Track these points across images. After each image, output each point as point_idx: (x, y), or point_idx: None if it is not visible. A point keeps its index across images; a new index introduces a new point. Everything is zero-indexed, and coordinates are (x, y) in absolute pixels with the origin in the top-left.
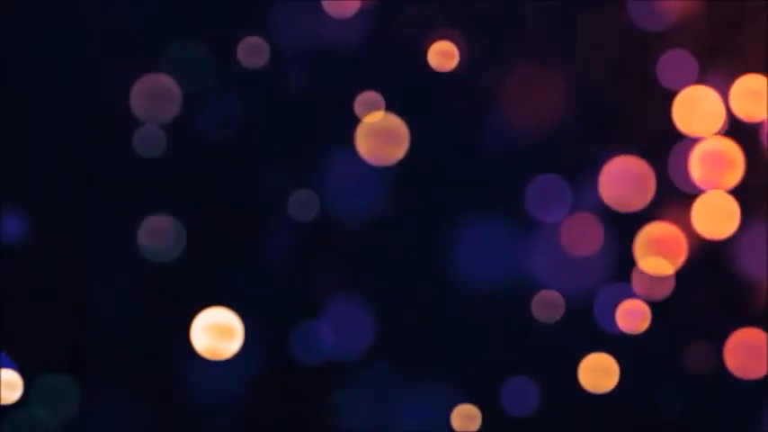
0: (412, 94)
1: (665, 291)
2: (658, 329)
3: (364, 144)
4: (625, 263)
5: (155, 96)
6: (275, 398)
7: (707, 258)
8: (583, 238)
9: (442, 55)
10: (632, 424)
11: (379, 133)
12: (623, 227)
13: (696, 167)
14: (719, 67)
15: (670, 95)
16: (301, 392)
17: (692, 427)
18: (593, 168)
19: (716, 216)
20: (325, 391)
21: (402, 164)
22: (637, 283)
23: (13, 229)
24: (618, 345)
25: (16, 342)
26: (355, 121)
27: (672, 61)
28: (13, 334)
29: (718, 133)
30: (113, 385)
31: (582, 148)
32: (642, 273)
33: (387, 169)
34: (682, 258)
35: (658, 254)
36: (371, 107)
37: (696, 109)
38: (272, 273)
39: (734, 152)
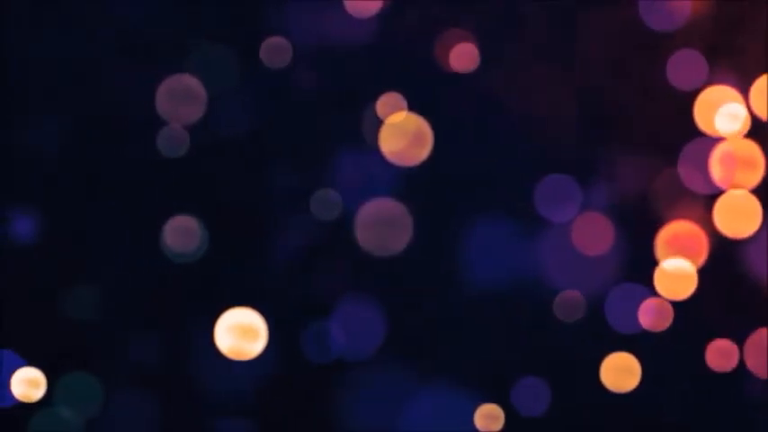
0: (419, 94)
1: (688, 290)
2: (678, 329)
3: (388, 144)
4: (636, 262)
5: (180, 97)
6: (285, 397)
7: (728, 258)
8: (593, 237)
9: (463, 57)
10: (645, 424)
11: (404, 134)
12: (634, 226)
13: (717, 167)
14: (727, 67)
15: (680, 95)
16: (311, 392)
17: (709, 427)
18: (602, 168)
19: (737, 215)
20: (335, 391)
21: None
22: (659, 283)
23: (25, 229)
24: (628, 344)
25: (33, 341)
26: (371, 121)
27: (681, 61)
28: (31, 333)
29: (739, 133)
30: (131, 385)
31: (590, 147)
32: (664, 272)
33: (397, 170)
34: (703, 258)
35: (680, 253)
36: (394, 108)
37: (717, 109)
38: (282, 272)
39: (754, 152)
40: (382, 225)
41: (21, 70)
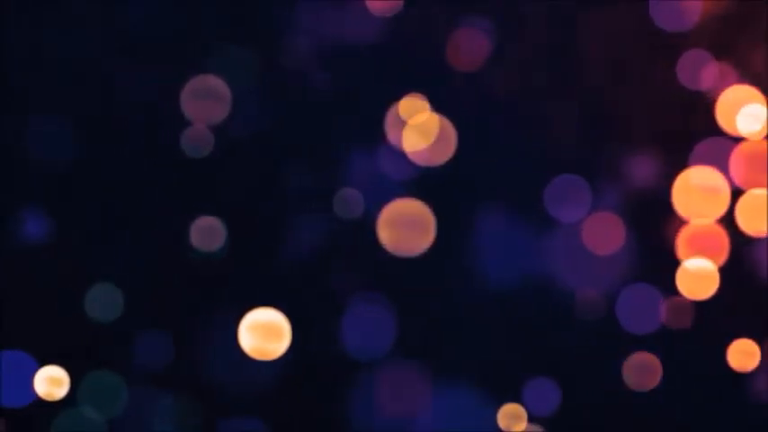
0: (431, 93)
1: (709, 290)
2: (699, 328)
3: (410, 145)
4: (647, 262)
5: (204, 98)
6: (296, 396)
7: (748, 257)
8: (604, 237)
9: (474, 56)
10: (661, 425)
11: (426, 135)
12: (645, 226)
13: (737, 167)
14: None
15: (690, 95)
16: (322, 391)
17: (728, 427)
18: (613, 168)
19: (759, 215)
20: (347, 391)
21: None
22: (680, 283)
23: (43, 229)
24: (644, 344)
25: (56, 340)
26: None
27: (691, 61)
28: (54, 332)
29: (760, 134)
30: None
31: (600, 147)
32: (686, 272)
33: (408, 170)
34: (724, 257)
35: (701, 253)
36: (416, 109)
37: (738, 109)
38: (296, 272)
39: None
40: (405, 225)
41: (36, 71)
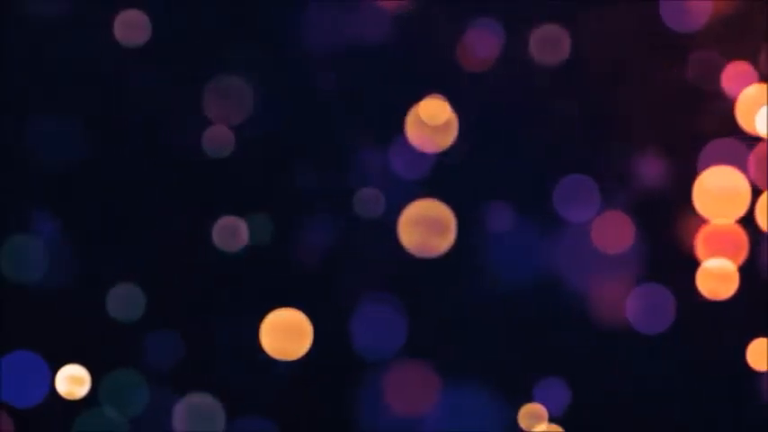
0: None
1: (729, 290)
2: (718, 327)
3: (431, 146)
4: (656, 261)
5: (226, 98)
6: (306, 397)
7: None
8: (613, 237)
9: (482, 55)
10: (676, 425)
11: (448, 135)
12: (654, 226)
13: (756, 167)
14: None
15: (701, 95)
16: (332, 391)
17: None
18: (621, 168)
19: None
20: (356, 391)
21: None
22: (701, 282)
23: (48, 229)
24: (649, 344)
25: (74, 339)
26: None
27: (703, 61)
28: (76, 331)
29: None
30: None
31: (609, 147)
32: (706, 271)
33: (417, 170)
34: (743, 256)
35: (721, 253)
36: (437, 110)
37: (757, 109)
38: (304, 272)
39: None
40: (427, 227)
41: (52, 72)
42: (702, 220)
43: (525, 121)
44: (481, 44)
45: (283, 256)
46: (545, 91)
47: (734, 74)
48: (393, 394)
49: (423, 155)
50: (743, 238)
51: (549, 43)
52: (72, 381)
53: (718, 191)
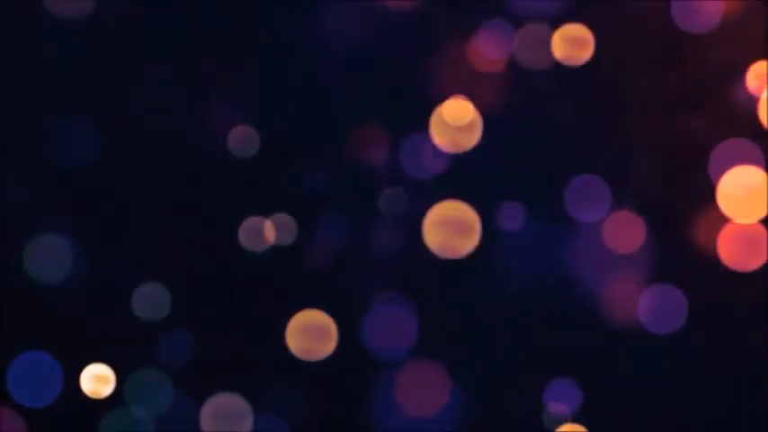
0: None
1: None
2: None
3: (454, 146)
4: (667, 262)
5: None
6: (320, 397)
7: None
8: (624, 237)
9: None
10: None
11: (472, 136)
12: (664, 225)
13: None
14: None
15: (720, 95)
16: (344, 392)
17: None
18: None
19: None
20: (369, 391)
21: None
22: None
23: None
24: (660, 345)
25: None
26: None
27: (720, 60)
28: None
29: None
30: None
31: (618, 147)
32: (727, 269)
33: (429, 170)
34: (765, 257)
35: (743, 253)
36: (462, 112)
37: None
38: (317, 272)
39: None
40: (451, 227)
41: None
42: (725, 220)
43: (533, 123)
44: (493, 44)
45: (302, 256)
46: (554, 92)
47: (758, 73)
48: (404, 394)
49: (435, 155)
50: (765, 237)
51: (570, 43)
52: (97, 380)
53: (741, 190)
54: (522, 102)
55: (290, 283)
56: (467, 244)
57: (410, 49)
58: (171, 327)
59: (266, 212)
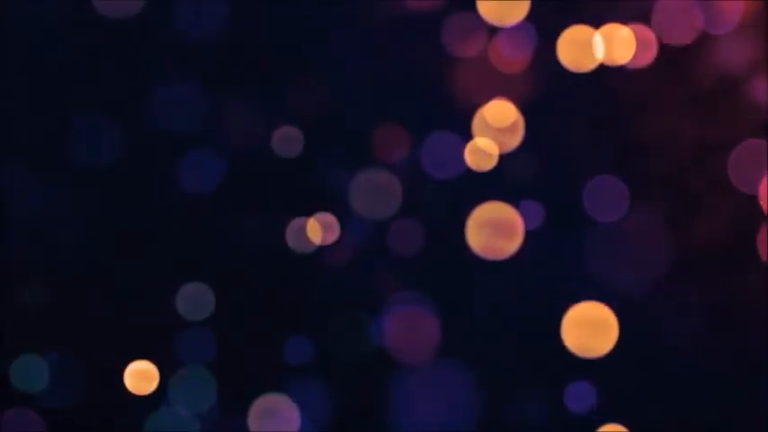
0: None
1: None
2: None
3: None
4: (684, 262)
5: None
6: (338, 396)
7: None
8: (642, 236)
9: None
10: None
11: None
12: (682, 226)
13: None
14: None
15: (743, 95)
16: (363, 391)
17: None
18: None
19: None
20: (388, 391)
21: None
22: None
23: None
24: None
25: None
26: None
27: (734, 61)
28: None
29: None
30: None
31: (633, 148)
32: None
33: (450, 170)
34: None
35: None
36: (505, 113)
37: None
38: (339, 271)
39: None
40: (494, 228)
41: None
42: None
43: (553, 122)
44: (513, 45)
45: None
46: (573, 92)
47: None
48: (424, 393)
49: (454, 154)
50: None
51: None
52: (141, 377)
53: None
54: (543, 102)
55: (312, 283)
56: (510, 245)
57: (432, 48)
58: (215, 326)
59: (289, 213)
